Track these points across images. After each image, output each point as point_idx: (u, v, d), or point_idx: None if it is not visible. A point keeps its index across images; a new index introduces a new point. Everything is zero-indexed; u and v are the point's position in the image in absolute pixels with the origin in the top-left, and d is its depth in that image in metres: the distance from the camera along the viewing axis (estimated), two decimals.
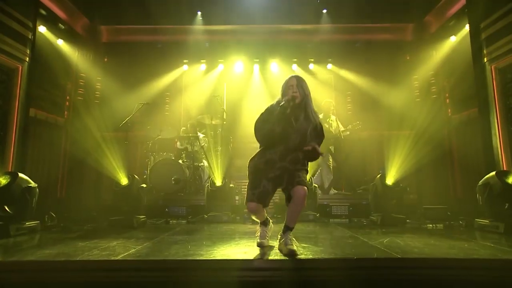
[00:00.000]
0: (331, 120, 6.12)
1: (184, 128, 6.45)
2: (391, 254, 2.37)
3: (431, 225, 3.82)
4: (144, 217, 4.19)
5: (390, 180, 4.25)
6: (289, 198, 2.43)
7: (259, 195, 2.38)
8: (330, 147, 6.02)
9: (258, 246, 2.58)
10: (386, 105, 6.90)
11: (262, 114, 2.42)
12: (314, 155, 2.34)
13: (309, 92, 2.46)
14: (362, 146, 6.61)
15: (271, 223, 2.82)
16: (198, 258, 2.27)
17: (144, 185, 4.28)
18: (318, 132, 2.45)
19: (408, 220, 4.14)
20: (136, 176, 4.17)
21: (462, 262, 2.22)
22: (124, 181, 4.05)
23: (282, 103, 2.32)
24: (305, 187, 2.35)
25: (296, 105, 2.39)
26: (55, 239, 3.18)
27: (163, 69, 7.27)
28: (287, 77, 2.52)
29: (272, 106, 2.46)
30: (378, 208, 4.28)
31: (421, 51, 6.54)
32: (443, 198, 5.79)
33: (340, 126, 6.13)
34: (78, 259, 2.30)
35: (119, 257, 2.33)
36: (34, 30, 4.84)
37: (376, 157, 7.27)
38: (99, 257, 2.35)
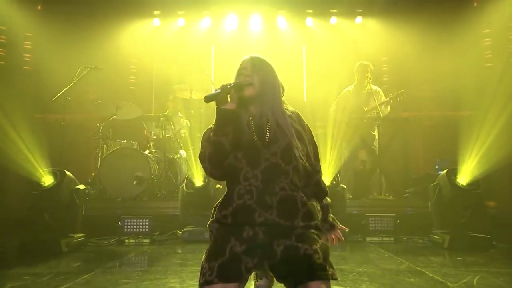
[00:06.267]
0: (368, 91, 5.31)
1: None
2: None
3: None
4: (81, 236, 3.62)
5: (463, 178, 3.46)
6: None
7: (221, 269, 1.58)
8: (374, 132, 5.35)
9: None
10: (439, 75, 6.57)
11: (204, 133, 1.86)
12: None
13: (277, 81, 1.88)
14: (404, 132, 6.02)
15: None
16: None
17: (81, 186, 3.58)
18: (310, 138, 1.93)
19: (494, 242, 3.38)
20: (67, 172, 3.45)
21: None
22: (47, 180, 3.27)
23: (217, 91, 1.68)
24: (327, 282, 1.55)
25: (249, 99, 1.78)
26: None
27: (125, 24, 7.01)
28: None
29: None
30: (444, 221, 3.62)
31: None
32: None
33: (383, 99, 5.37)
34: None
35: None
36: None
37: (422, 148, 7.02)
38: None
